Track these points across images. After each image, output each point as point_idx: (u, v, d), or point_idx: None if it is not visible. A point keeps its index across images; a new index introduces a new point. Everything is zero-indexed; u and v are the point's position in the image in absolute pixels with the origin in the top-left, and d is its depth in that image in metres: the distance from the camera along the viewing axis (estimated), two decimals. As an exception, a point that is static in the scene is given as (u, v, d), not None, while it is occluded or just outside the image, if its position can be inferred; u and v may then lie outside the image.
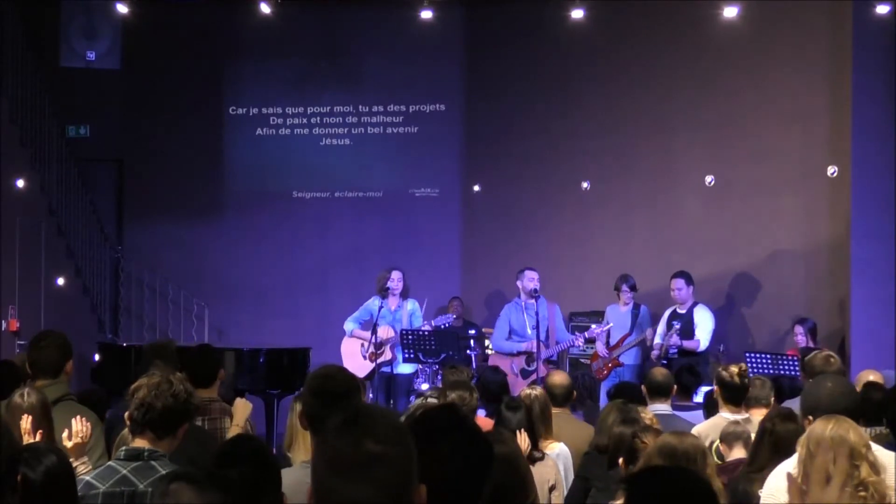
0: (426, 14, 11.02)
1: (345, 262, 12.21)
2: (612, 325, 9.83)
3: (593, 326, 9.82)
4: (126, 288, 12.63)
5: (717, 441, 5.09)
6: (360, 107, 12.46)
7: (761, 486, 3.94)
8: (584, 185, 11.55)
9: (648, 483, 2.34)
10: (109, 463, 3.57)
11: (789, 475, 3.63)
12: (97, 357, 10.64)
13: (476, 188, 12.14)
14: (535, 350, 9.38)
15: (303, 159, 12.52)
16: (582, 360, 10.41)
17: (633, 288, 10.00)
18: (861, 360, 8.98)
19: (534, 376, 9.07)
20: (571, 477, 5.32)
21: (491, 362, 9.53)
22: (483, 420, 5.59)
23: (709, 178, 10.96)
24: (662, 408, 5.96)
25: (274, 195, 12.46)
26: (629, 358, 9.85)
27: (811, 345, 9.19)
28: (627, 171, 11.30)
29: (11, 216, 10.58)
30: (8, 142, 10.86)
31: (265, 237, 12.46)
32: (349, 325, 10.12)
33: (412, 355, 9.37)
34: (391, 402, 9.66)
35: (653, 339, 9.71)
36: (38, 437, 4.00)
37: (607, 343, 9.89)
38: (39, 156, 11.64)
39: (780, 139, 10.61)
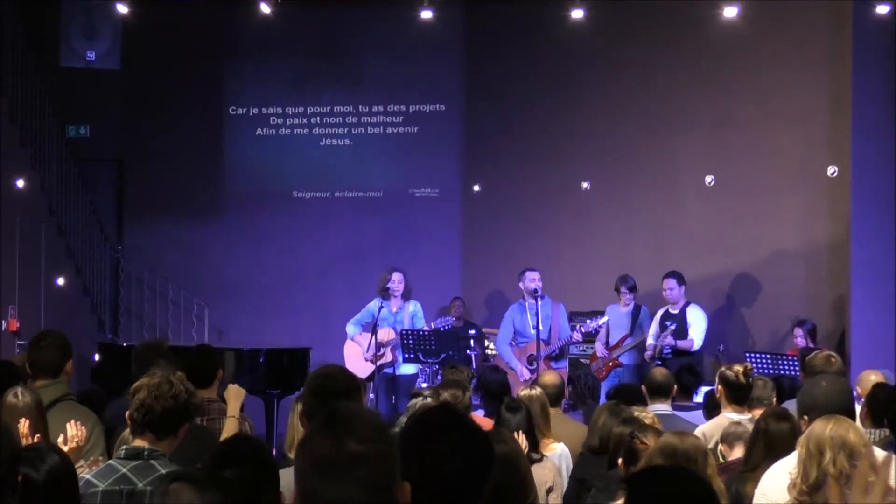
0: (426, 14, 11.02)
1: (345, 262, 12.21)
2: (607, 318, 9.82)
3: (588, 321, 9.81)
4: (126, 288, 12.63)
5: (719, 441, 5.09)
6: (360, 107, 12.46)
7: (755, 486, 3.93)
8: (584, 185, 11.55)
9: (649, 483, 2.34)
10: (109, 462, 3.57)
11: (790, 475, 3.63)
12: (97, 357, 10.65)
13: (476, 188, 12.14)
14: (535, 350, 9.38)
15: (303, 159, 12.52)
16: (582, 361, 10.41)
17: (632, 289, 10.00)
18: (861, 360, 8.98)
19: (535, 376, 9.06)
20: (572, 477, 5.32)
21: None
22: (483, 420, 5.60)
23: (709, 178, 10.97)
24: (663, 408, 5.95)
25: (274, 195, 12.45)
26: (628, 358, 9.85)
27: (811, 345, 9.19)
28: (627, 171, 11.30)
29: (11, 216, 10.58)
30: (8, 142, 10.85)
31: (265, 237, 12.45)
32: (351, 329, 10.11)
33: (412, 356, 9.38)
34: (394, 403, 9.66)
35: (645, 340, 9.71)
36: (35, 440, 3.99)
37: (607, 343, 9.89)
38: (39, 156, 11.64)
39: (780, 139, 10.61)
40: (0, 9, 11.19)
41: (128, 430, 3.68)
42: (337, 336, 10.32)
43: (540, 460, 4.99)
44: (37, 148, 11.61)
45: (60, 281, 11.68)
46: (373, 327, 9.64)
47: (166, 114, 12.52)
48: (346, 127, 12.51)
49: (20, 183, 11.04)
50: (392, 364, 9.74)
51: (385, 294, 9.88)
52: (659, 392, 6.08)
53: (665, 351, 9.43)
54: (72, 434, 4.17)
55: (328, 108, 12.52)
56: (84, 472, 3.53)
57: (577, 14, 10.59)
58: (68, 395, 4.66)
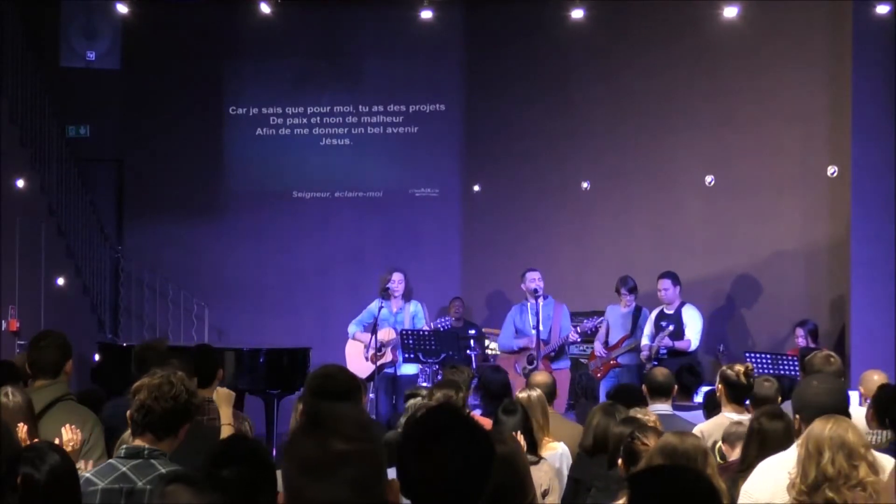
0: (426, 14, 11.01)
1: (345, 262, 12.21)
2: (605, 318, 9.81)
3: (585, 321, 9.80)
4: (126, 288, 12.63)
5: (720, 441, 5.08)
6: (360, 107, 12.46)
7: None
8: (584, 185, 11.55)
9: (650, 482, 2.34)
10: (110, 461, 3.58)
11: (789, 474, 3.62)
12: (97, 357, 10.65)
13: (476, 188, 12.14)
14: (535, 349, 9.37)
15: (303, 159, 12.52)
16: (582, 361, 10.41)
17: (632, 290, 9.98)
18: (861, 360, 8.98)
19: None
20: (572, 476, 5.32)
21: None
22: (482, 420, 5.59)
23: (709, 178, 10.97)
24: (663, 408, 5.95)
25: (274, 195, 12.45)
26: (626, 359, 9.83)
27: (812, 345, 9.19)
28: (627, 171, 11.29)
29: (11, 216, 10.58)
30: (8, 142, 10.86)
31: (265, 237, 12.45)
32: (352, 329, 10.12)
33: (413, 356, 9.38)
34: (394, 403, 9.67)
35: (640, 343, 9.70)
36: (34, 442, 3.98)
37: (606, 343, 9.88)
38: (39, 156, 11.64)
39: (780, 139, 10.61)
40: (0, 9, 11.19)
41: (128, 431, 3.68)
42: (337, 336, 10.32)
43: (537, 462, 4.98)
44: (37, 148, 11.61)
45: (60, 281, 11.68)
46: (373, 327, 9.65)
47: (166, 114, 12.52)
48: (346, 127, 12.51)
49: (20, 183, 11.04)
50: (392, 364, 9.75)
51: (385, 294, 9.88)
52: (659, 392, 6.08)
53: (661, 352, 9.42)
54: (67, 438, 4.15)
55: (328, 108, 12.53)
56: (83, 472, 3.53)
57: (577, 14, 10.58)
58: (68, 394, 4.65)
